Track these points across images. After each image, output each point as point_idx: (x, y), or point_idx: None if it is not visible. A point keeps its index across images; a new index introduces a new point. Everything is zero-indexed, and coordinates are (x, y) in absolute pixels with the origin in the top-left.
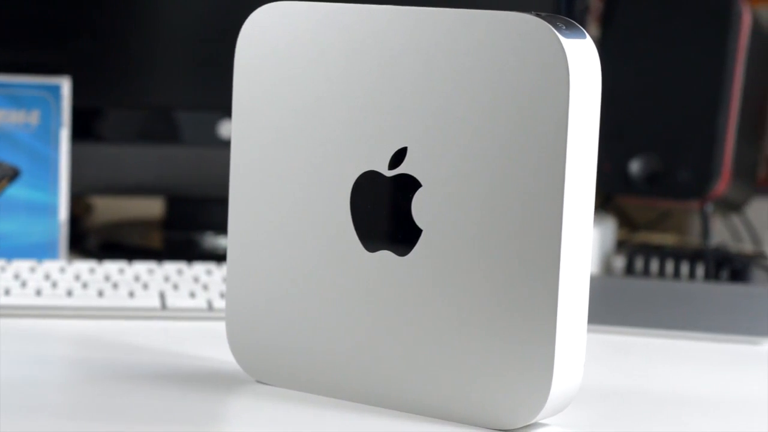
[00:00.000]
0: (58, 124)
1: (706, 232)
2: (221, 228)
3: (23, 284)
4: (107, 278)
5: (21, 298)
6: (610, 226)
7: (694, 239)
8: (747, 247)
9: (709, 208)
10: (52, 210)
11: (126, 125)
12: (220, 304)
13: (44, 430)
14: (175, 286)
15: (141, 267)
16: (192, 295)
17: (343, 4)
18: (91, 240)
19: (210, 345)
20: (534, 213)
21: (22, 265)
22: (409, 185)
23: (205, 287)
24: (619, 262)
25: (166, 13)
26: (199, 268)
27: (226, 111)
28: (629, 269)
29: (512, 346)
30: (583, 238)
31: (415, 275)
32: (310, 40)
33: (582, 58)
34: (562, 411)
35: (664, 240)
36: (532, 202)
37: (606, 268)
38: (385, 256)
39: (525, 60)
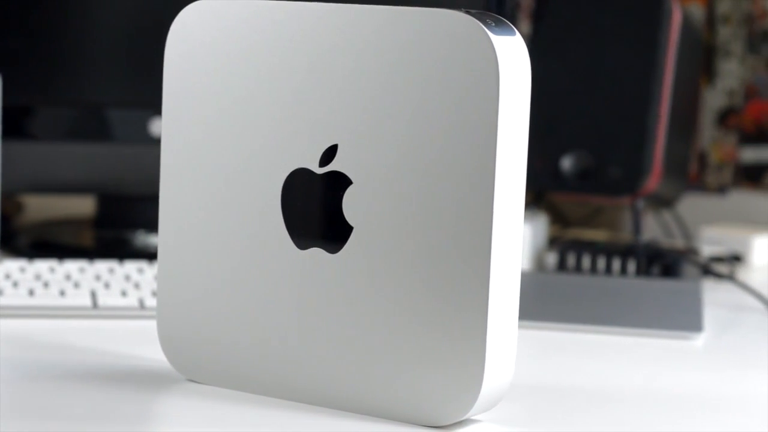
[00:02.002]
0: None
1: (637, 228)
2: (153, 226)
3: None
4: (38, 277)
5: None
6: (542, 222)
7: (625, 235)
8: (678, 242)
9: (641, 204)
10: None
11: (57, 123)
12: (151, 302)
13: None
14: (107, 285)
15: (72, 266)
16: (123, 293)
17: (273, 2)
18: (22, 239)
19: (141, 344)
20: (464, 210)
21: None
22: (339, 182)
23: (137, 286)
24: (551, 258)
25: (96, 11)
26: (131, 266)
27: (157, 109)
28: (561, 265)
29: (443, 342)
30: (513, 235)
31: (346, 272)
32: (239, 38)
33: (511, 54)
34: (494, 407)
35: (596, 236)
36: (462, 199)
37: (538, 265)
38: (317, 253)
39: (455, 57)
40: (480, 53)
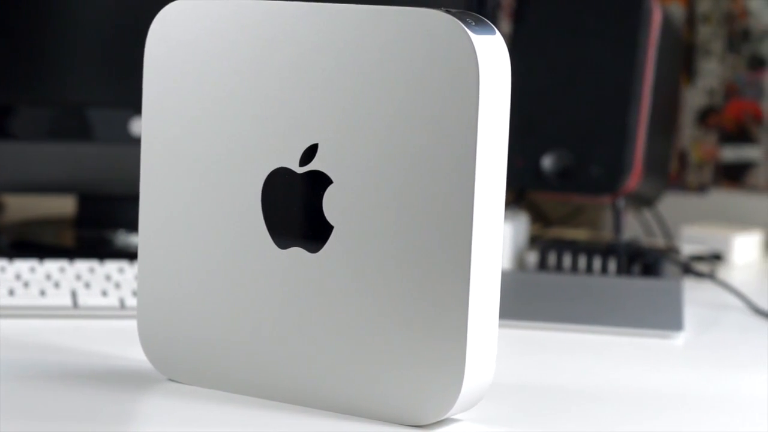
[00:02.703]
0: None
1: (618, 226)
2: (134, 226)
3: None
4: (18, 277)
5: None
6: (523, 221)
7: (606, 234)
8: (659, 241)
9: (621, 203)
10: None
11: (37, 123)
12: (132, 302)
13: None
14: (87, 285)
15: (52, 265)
16: (104, 293)
17: (253, 1)
18: (3, 238)
19: (122, 343)
20: (445, 209)
21: None
22: (320, 182)
23: (117, 285)
24: (532, 257)
25: (77, 11)
26: (111, 266)
27: (137, 108)
28: (542, 264)
29: (424, 342)
30: (494, 234)
31: (326, 272)
32: (219, 37)
33: (492, 54)
34: (474, 406)
35: (577, 235)
36: (442, 198)
37: (519, 264)
38: (297, 252)
39: (435, 56)
40: (460, 52)
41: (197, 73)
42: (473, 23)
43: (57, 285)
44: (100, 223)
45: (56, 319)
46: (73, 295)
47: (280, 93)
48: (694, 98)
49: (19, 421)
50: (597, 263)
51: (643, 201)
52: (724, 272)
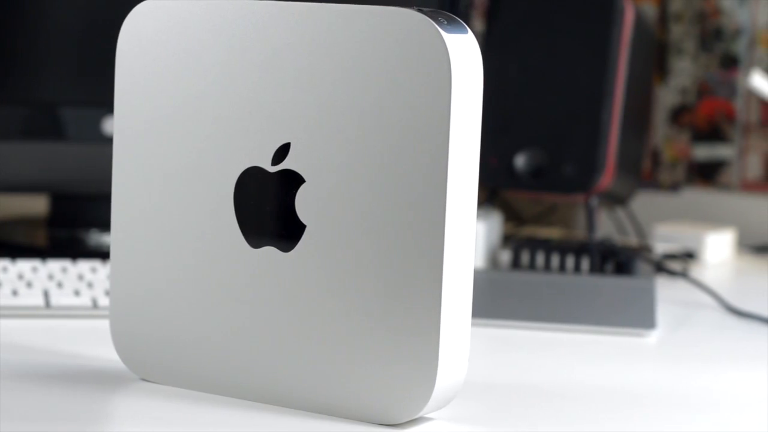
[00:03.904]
0: None
1: (591, 225)
2: (106, 225)
3: None
4: None
5: None
6: (497, 220)
7: (579, 233)
8: (632, 240)
9: (594, 201)
10: None
11: (10, 122)
12: (105, 302)
13: None
14: (60, 284)
15: (25, 265)
16: (76, 293)
17: (225, 0)
18: None
19: (95, 343)
20: (417, 208)
21: None
22: (292, 181)
23: (90, 285)
24: (506, 256)
25: (49, 10)
26: (84, 265)
27: (110, 107)
28: (515, 263)
29: (396, 341)
30: (467, 232)
31: (299, 271)
32: (191, 36)
33: (464, 53)
34: (447, 405)
35: (550, 234)
36: (415, 197)
37: (492, 262)
38: (270, 252)
39: (407, 55)
40: (432, 51)
41: (169, 72)
42: (445, 22)
43: (29, 285)
44: (73, 223)
45: (28, 319)
46: (46, 294)
47: (252, 92)
48: (666, 97)
49: None
50: (570, 262)
51: (616, 200)
52: (696, 270)
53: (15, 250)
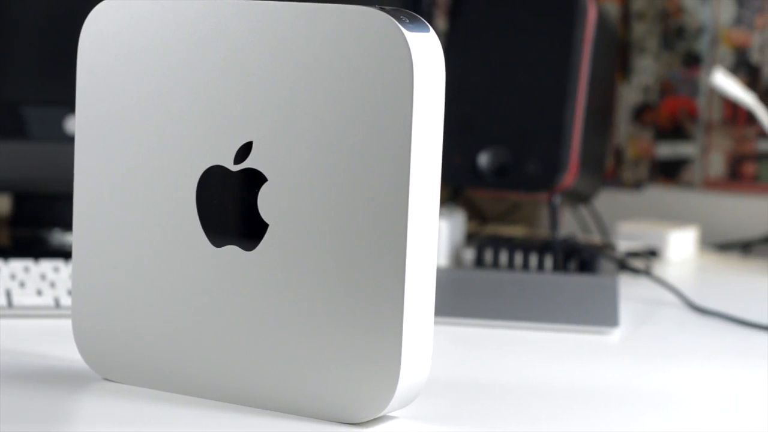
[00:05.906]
0: None
1: (554, 223)
2: (69, 225)
3: None
4: None
5: None
6: (460, 218)
7: (543, 231)
8: (595, 238)
9: (558, 199)
10: None
11: None
12: (67, 301)
13: None
14: (22, 284)
15: None
16: (39, 292)
17: None
18: None
19: (57, 343)
20: (380, 206)
21: None
22: (254, 180)
23: (52, 285)
24: (469, 254)
25: (11, 9)
26: (46, 265)
27: (72, 106)
28: (479, 261)
29: (359, 339)
30: (429, 231)
31: (262, 270)
32: (152, 35)
33: (426, 51)
34: (411, 403)
35: (514, 232)
36: (377, 195)
37: (456, 261)
38: (232, 251)
39: (369, 54)
40: (394, 50)
41: (131, 71)
42: (408, 21)
43: None
44: (36, 222)
45: None
46: (8, 294)
47: (214, 91)
48: (629, 95)
49: None
50: (533, 260)
51: (579, 198)
52: (659, 268)
53: None
